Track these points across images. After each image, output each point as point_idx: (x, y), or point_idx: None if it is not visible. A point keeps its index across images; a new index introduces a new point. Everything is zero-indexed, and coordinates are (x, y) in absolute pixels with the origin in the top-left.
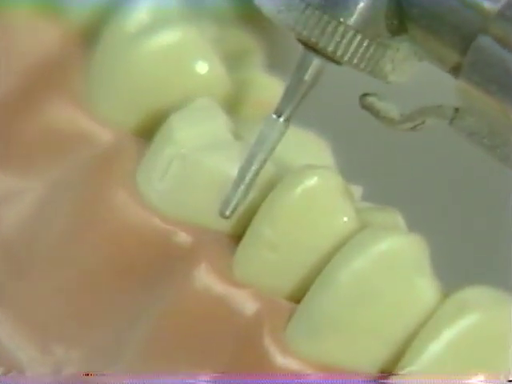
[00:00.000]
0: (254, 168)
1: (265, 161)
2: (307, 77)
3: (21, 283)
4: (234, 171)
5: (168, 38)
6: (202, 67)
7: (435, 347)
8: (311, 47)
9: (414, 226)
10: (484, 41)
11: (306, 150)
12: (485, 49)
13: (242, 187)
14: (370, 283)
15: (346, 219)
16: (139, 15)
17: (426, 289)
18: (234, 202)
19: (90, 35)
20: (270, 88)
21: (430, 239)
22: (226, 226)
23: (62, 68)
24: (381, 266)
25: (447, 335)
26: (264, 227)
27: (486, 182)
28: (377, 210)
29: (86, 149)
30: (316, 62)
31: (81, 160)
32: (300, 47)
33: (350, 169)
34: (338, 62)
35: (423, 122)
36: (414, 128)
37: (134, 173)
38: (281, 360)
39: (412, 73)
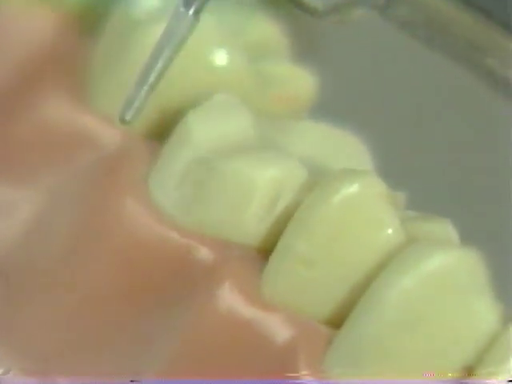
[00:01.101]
0: (159, 66)
1: (171, 58)
2: None
3: (17, 309)
4: (260, 177)
5: None
6: (220, 59)
7: (501, 379)
8: None
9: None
10: None
11: (342, 151)
12: None
13: (146, 88)
14: (420, 305)
15: (390, 231)
16: (149, 0)
17: (484, 311)
18: (136, 105)
19: (90, 22)
20: (296, 81)
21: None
22: (252, 239)
23: (59, 59)
24: (432, 285)
25: None
26: (298, 240)
27: None
28: (424, 220)
29: (89, 152)
30: None
31: (83, 165)
32: None
33: (390, 173)
34: None
35: (351, 14)
36: (341, 21)
37: (145, 179)
38: None
39: None
